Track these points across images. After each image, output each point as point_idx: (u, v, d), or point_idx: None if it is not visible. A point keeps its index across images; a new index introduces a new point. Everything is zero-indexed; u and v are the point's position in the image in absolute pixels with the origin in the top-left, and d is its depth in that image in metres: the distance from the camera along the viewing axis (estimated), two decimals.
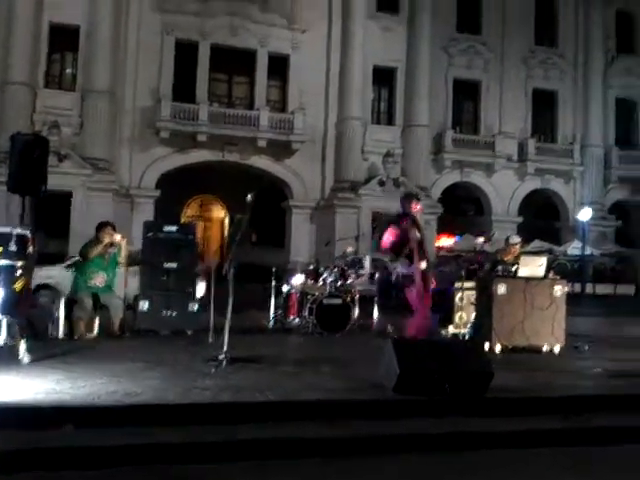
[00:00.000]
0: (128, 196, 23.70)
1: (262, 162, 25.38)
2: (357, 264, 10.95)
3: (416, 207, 7.31)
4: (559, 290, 8.03)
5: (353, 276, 10.31)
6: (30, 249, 7.02)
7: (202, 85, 24.71)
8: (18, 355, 5.46)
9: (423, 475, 3.78)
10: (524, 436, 4.34)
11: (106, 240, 8.10)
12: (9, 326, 5.71)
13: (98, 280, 8.03)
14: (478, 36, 28.30)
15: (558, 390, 5.51)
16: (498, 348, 7.52)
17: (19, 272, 6.08)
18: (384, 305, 10.79)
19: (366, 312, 10.31)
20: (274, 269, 10.19)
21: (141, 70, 23.97)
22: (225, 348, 5.82)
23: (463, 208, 29.32)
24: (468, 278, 8.77)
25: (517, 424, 4.57)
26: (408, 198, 7.56)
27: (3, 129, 19.45)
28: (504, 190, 28.27)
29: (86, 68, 23.38)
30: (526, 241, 25.53)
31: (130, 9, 24.02)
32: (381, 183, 25.51)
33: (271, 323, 9.71)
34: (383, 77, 26.88)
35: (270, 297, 10.01)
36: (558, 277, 8.48)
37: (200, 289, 9.24)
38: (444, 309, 9.31)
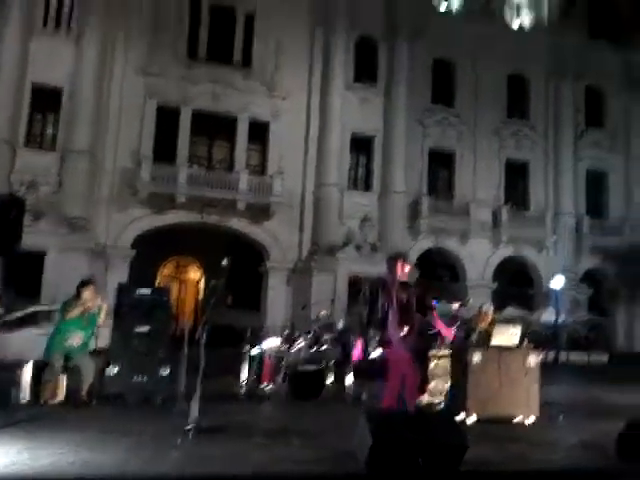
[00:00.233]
0: (104, 255, 23.48)
1: (240, 224, 25.48)
2: (330, 328, 10.90)
3: (403, 269, 6.97)
4: (533, 360, 8.06)
5: (328, 341, 10.24)
6: None
7: (182, 148, 25.03)
8: None
9: None
10: None
11: (88, 299, 7.93)
12: None
13: (75, 340, 7.81)
14: (452, 108, 29.28)
15: (533, 463, 5.44)
16: (473, 418, 7.44)
17: None
18: (359, 370, 10.68)
19: (341, 378, 10.19)
20: (248, 334, 10.07)
21: (122, 132, 24.24)
22: (194, 416, 5.67)
23: (439, 273, 29.51)
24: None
25: None
26: (394, 259, 7.19)
27: None
28: (478, 256, 28.62)
29: (67, 128, 23.56)
30: (498, 308, 25.77)
31: (114, 72, 24.48)
32: (358, 247, 25.71)
33: (243, 389, 9.50)
34: (361, 145, 27.53)
35: (243, 362, 9.84)
36: (532, 346, 8.50)
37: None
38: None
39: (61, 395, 7.71)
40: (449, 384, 8.31)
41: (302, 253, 25.86)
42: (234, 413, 7.80)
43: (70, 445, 4.89)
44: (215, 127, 26.02)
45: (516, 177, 30.29)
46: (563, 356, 25.28)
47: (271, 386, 9.41)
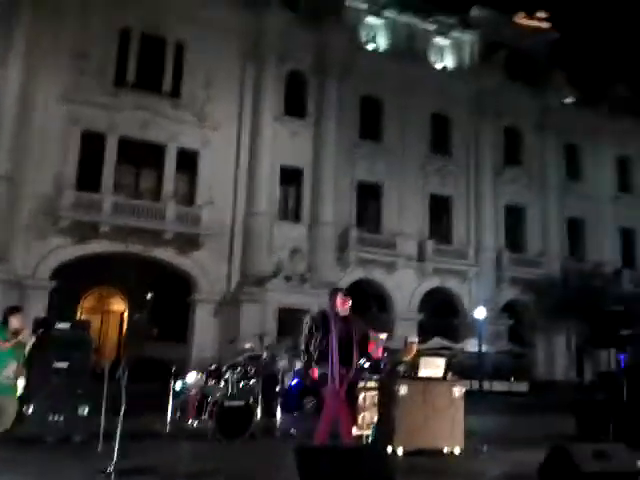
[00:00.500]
0: (20, 287, 22.35)
1: (167, 255, 24.95)
2: (256, 361, 10.76)
3: (343, 303, 6.63)
4: (458, 391, 8.23)
5: (255, 375, 10.09)
6: None
7: (108, 176, 24.36)
8: None
9: None
10: None
11: (18, 328, 7.34)
12: None
13: (9, 372, 7.14)
14: (379, 143, 30.11)
15: None
16: (400, 451, 7.49)
17: None
18: (287, 405, 10.57)
19: (270, 412, 10.06)
20: (173, 368, 9.76)
21: (45, 158, 23.36)
22: (115, 458, 5.43)
23: (368, 304, 29.89)
24: None
25: None
26: (334, 293, 6.83)
27: None
28: (405, 288, 29.20)
29: None
30: (424, 338, 26.32)
31: (36, 97, 23.71)
32: (287, 278, 25.69)
33: (168, 427, 9.16)
34: (291, 176, 27.72)
35: (168, 398, 9.52)
36: (456, 377, 8.68)
37: None
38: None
39: None
40: (377, 417, 8.34)
41: (231, 284, 25.55)
42: (158, 452, 7.53)
43: None
44: (143, 155, 25.53)
45: (440, 211, 31.28)
46: (487, 385, 25.99)
47: (197, 423, 9.14)
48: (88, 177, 23.89)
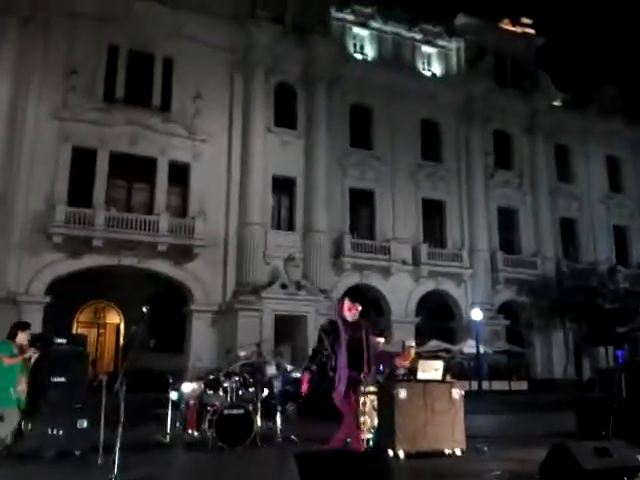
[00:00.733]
0: (15, 303, 22.25)
1: (162, 266, 24.90)
2: (252, 369, 10.73)
3: (352, 310, 6.75)
4: (457, 393, 8.24)
5: (253, 382, 10.06)
6: None
7: (99, 191, 24.33)
8: None
9: None
10: None
11: (24, 344, 7.33)
12: None
13: (22, 385, 7.17)
14: (370, 150, 30.22)
15: None
16: (402, 454, 7.48)
17: None
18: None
19: (271, 419, 10.03)
20: (171, 379, 9.73)
21: (36, 174, 23.33)
22: (115, 471, 5.41)
23: (365, 309, 29.86)
24: None
25: None
26: (341, 300, 7.05)
27: None
28: (401, 292, 29.24)
29: None
30: (422, 341, 26.37)
31: (26, 115, 23.71)
32: (283, 286, 25.69)
33: (168, 438, 9.13)
34: (283, 186, 27.77)
35: (167, 408, 9.48)
36: (455, 380, 8.69)
37: None
38: None
39: None
40: (377, 420, 8.33)
41: (226, 294, 25.52)
42: (159, 463, 7.49)
43: None
44: (134, 170, 25.51)
45: (433, 215, 31.40)
46: (486, 385, 26.05)
47: (197, 433, 9.11)
48: (80, 192, 23.85)
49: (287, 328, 25.70)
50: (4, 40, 23.43)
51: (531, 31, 36.62)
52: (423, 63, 33.25)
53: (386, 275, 28.91)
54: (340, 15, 31.23)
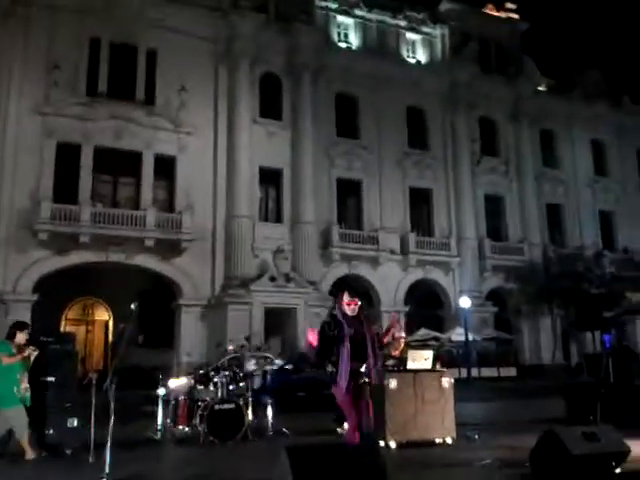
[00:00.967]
0: (2, 302, 22.08)
1: (149, 262, 24.78)
2: (239, 362, 10.73)
3: (350, 304, 6.59)
4: (447, 382, 8.29)
5: (244, 377, 10.07)
6: None
7: (85, 186, 24.11)
8: None
9: None
10: None
11: (22, 344, 7.46)
12: None
13: (24, 384, 7.29)
14: (357, 140, 30.16)
15: None
16: (393, 444, 7.52)
17: None
18: (279, 404, 10.55)
19: (262, 413, 10.04)
20: (160, 375, 9.70)
21: (20, 171, 23.10)
22: (107, 468, 5.40)
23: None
24: None
25: None
26: (340, 294, 6.82)
27: None
28: (390, 281, 29.31)
29: None
30: (412, 330, 26.50)
31: (9, 111, 23.44)
32: (272, 279, 25.66)
33: (159, 434, 9.11)
34: (270, 177, 27.68)
35: (157, 404, 9.45)
36: (445, 369, 8.74)
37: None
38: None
39: None
40: None
41: (215, 288, 25.45)
42: (150, 459, 7.49)
43: None
44: (119, 164, 25.30)
45: (421, 204, 31.45)
46: (475, 372, 26.26)
47: (188, 428, 9.09)
48: (65, 188, 23.63)
49: (277, 321, 25.70)
50: None
51: (515, 16, 36.63)
52: (408, 50, 33.18)
53: (374, 265, 28.97)
54: (324, 3, 31.06)
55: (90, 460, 6.63)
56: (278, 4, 29.13)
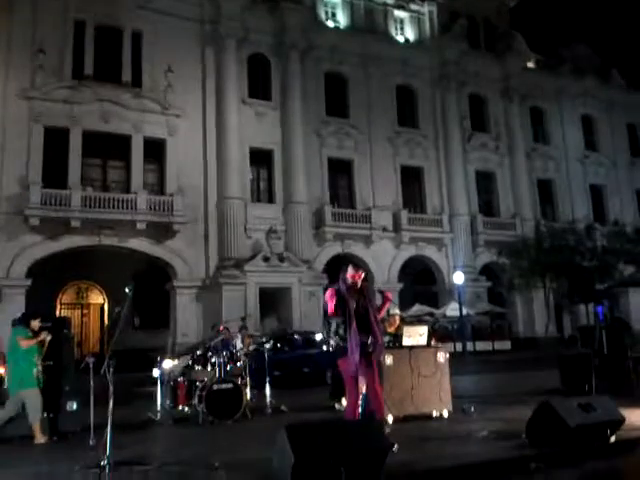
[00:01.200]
0: None
1: (142, 244, 24.71)
2: (227, 344, 10.80)
3: (355, 277, 6.47)
4: (442, 356, 8.37)
5: (242, 356, 10.14)
6: None
7: (74, 170, 23.93)
8: None
9: None
10: None
11: (36, 328, 7.86)
12: None
13: (39, 367, 7.69)
14: (346, 119, 29.99)
15: (449, 459, 5.64)
16: (390, 419, 7.60)
17: None
18: (276, 382, 10.64)
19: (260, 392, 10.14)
20: (158, 357, 9.76)
21: (8, 157, 22.88)
22: (108, 451, 5.44)
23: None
24: None
25: None
26: (344, 269, 6.69)
27: None
28: (383, 259, 29.40)
29: None
30: (406, 306, 26.64)
31: None
32: (265, 259, 25.69)
33: (159, 415, 9.18)
34: (261, 158, 27.55)
35: (156, 386, 9.51)
36: (440, 344, 8.81)
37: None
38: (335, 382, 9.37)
39: None
40: (365, 387, 8.43)
41: (209, 269, 25.47)
42: (150, 440, 7.55)
43: None
44: (108, 147, 25.08)
45: (412, 182, 31.43)
46: (470, 346, 26.52)
47: (187, 409, 9.17)
48: (55, 173, 23.44)
49: (272, 300, 25.79)
50: None
51: None
52: (396, 28, 32.89)
53: (368, 243, 29.02)
54: None
55: (91, 443, 6.67)
56: None
